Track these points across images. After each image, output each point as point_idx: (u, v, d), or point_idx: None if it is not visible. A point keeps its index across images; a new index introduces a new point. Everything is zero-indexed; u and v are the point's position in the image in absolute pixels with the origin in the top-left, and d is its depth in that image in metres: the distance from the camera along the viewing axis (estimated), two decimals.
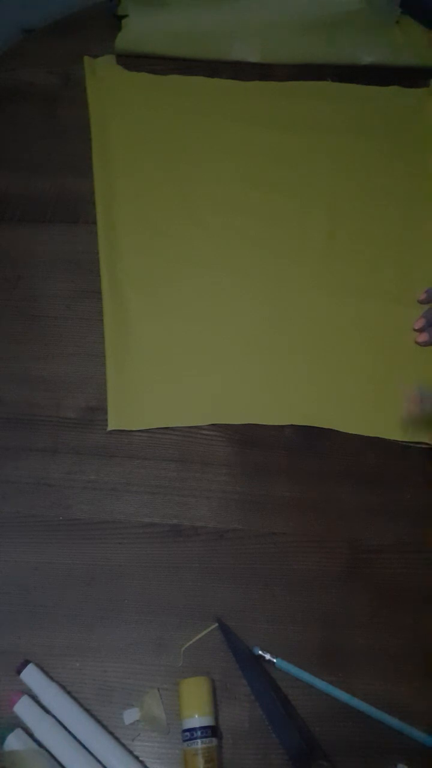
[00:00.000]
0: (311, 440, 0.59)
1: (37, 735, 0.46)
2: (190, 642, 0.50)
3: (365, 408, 0.60)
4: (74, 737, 0.46)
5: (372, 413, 0.60)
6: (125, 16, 0.84)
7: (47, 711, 0.47)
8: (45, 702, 0.47)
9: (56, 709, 0.47)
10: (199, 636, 0.50)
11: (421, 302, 0.66)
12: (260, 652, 0.49)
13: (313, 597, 0.52)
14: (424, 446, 0.58)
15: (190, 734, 0.46)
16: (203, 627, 0.51)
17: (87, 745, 0.46)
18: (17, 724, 0.47)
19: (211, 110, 0.79)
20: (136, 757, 0.46)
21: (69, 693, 0.48)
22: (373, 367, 0.62)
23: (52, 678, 0.48)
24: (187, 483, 0.57)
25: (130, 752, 0.47)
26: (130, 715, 0.48)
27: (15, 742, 0.45)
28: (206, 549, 0.54)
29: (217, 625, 0.50)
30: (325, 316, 0.65)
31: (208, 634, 0.50)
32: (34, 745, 0.46)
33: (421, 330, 0.64)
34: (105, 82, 0.81)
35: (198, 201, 0.72)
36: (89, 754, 0.45)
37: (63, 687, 0.48)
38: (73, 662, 0.50)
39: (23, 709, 0.47)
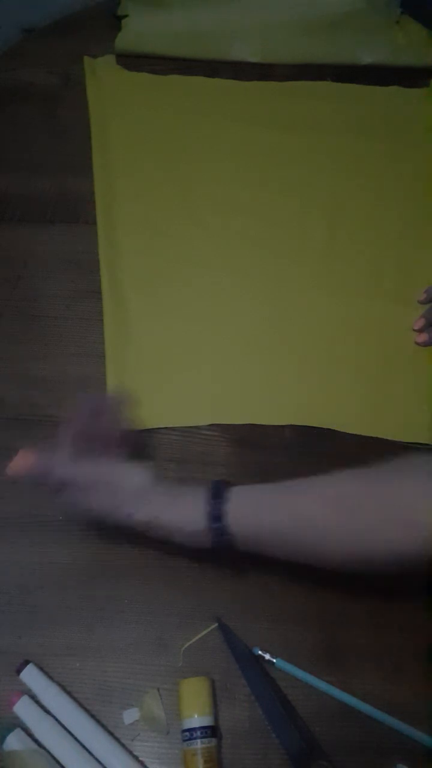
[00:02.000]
0: (311, 440, 0.59)
1: (37, 735, 0.46)
2: (190, 642, 0.50)
3: (365, 408, 0.60)
4: (74, 737, 0.46)
5: (372, 413, 0.60)
6: (125, 16, 0.84)
7: (47, 711, 0.47)
8: (45, 702, 0.47)
9: (56, 709, 0.47)
10: (199, 636, 0.50)
11: (421, 302, 0.65)
12: (260, 652, 0.49)
13: (313, 597, 0.52)
14: (424, 446, 0.58)
15: (189, 734, 0.46)
16: (203, 627, 0.50)
17: (87, 745, 0.46)
18: (17, 724, 0.47)
19: (211, 110, 0.79)
20: (136, 757, 0.46)
21: (69, 693, 0.48)
22: (373, 367, 0.62)
23: (51, 678, 0.48)
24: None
25: (130, 752, 0.46)
26: (130, 715, 0.48)
27: (15, 742, 0.45)
28: (206, 549, 0.54)
29: (217, 625, 0.50)
30: (325, 316, 0.65)
31: (208, 634, 0.50)
32: (34, 745, 0.46)
33: (421, 330, 0.64)
34: (105, 82, 0.81)
35: (198, 201, 0.72)
36: (89, 754, 0.45)
37: (63, 687, 0.48)
38: (73, 662, 0.50)
39: (23, 709, 0.47)
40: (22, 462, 0.48)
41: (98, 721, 0.47)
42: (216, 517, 0.45)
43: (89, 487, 0.47)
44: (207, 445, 0.58)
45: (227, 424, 0.59)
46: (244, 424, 0.59)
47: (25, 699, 0.47)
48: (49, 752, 0.45)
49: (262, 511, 0.46)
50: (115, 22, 0.84)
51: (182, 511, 0.47)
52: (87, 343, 0.63)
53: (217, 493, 0.46)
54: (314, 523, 0.44)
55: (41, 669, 0.49)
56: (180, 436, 0.58)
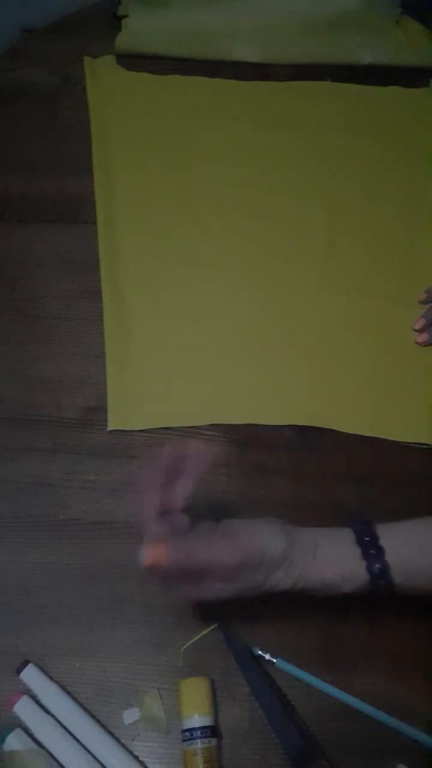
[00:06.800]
0: (311, 440, 0.59)
1: (37, 735, 0.46)
2: (190, 642, 0.50)
3: (365, 408, 0.60)
4: (74, 737, 0.46)
5: (372, 413, 0.60)
6: (125, 16, 0.84)
7: (47, 711, 0.47)
8: (45, 702, 0.47)
9: (56, 709, 0.47)
10: (199, 636, 0.50)
11: (421, 302, 0.65)
12: (260, 652, 0.49)
13: (313, 597, 0.52)
14: (424, 446, 0.58)
15: (189, 734, 0.46)
16: (203, 627, 0.50)
17: (87, 745, 0.46)
18: (17, 724, 0.47)
19: (211, 110, 0.79)
20: (136, 757, 0.46)
21: (69, 693, 0.48)
22: (373, 367, 0.62)
23: (51, 678, 0.48)
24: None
25: (130, 752, 0.46)
26: (130, 715, 0.48)
27: (15, 742, 0.45)
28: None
29: (217, 625, 0.50)
30: (325, 316, 0.65)
31: (208, 634, 0.50)
32: (34, 745, 0.46)
33: (421, 330, 0.64)
34: (105, 82, 0.81)
35: (198, 201, 0.72)
36: (89, 754, 0.45)
37: (63, 687, 0.48)
38: (73, 662, 0.50)
39: (23, 709, 0.47)
40: (156, 554, 0.42)
41: (98, 721, 0.47)
42: (378, 575, 0.43)
43: (232, 570, 0.42)
44: (207, 445, 0.58)
45: (227, 424, 0.59)
46: (244, 424, 0.59)
47: (25, 699, 0.47)
48: (49, 752, 0.45)
49: (422, 555, 0.44)
50: (115, 22, 0.84)
51: (336, 568, 0.44)
52: (87, 343, 0.63)
53: (369, 542, 0.44)
54: None
55: (41, 669, 0.49)
56: (180, 436, 0.58)
